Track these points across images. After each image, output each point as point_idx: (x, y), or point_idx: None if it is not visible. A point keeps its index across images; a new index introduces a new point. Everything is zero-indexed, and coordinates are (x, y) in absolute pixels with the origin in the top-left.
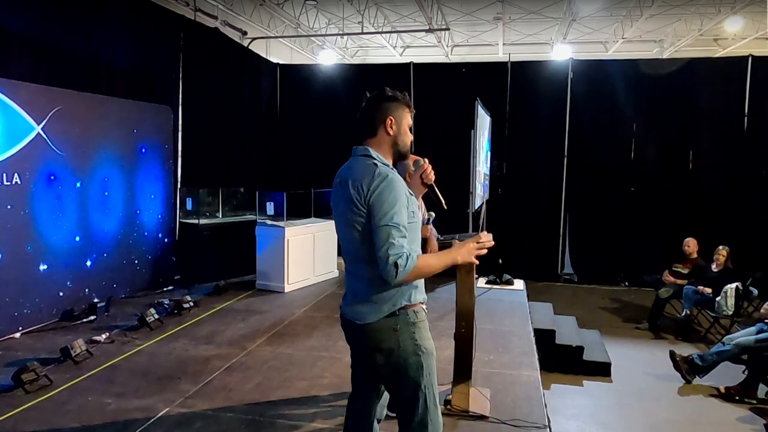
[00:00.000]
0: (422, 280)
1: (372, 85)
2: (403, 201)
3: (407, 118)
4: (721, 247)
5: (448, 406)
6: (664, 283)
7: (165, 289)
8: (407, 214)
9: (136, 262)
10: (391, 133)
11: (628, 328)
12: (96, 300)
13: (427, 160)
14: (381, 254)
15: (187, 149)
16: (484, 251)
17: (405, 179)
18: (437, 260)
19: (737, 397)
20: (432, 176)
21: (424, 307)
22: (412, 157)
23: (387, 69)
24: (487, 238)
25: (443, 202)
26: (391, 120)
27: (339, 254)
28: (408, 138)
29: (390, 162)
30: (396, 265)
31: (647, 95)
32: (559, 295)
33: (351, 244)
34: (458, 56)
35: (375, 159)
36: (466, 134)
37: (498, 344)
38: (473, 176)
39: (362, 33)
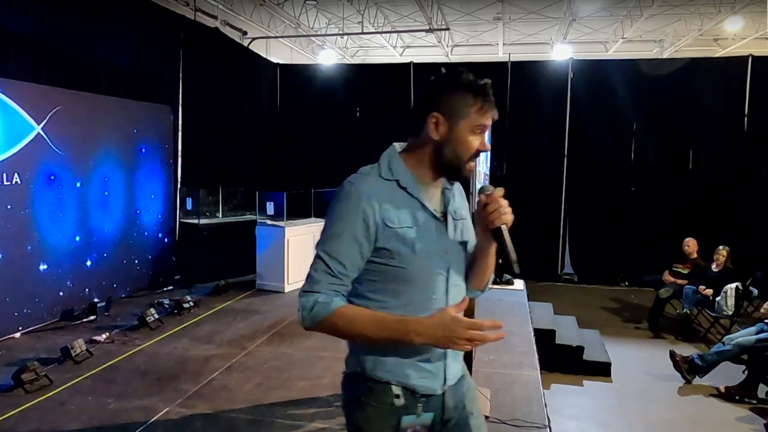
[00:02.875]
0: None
1: (372, 85)
2: (350, 222)
3: (471, 118)
4: (721, 247)
5: None
6: (664, 283)
7: (165, 289)
8: (350, 241)
9: (136, 262)
10: (435, 137)
11: (628, 328)
12: (96, 300)
13: (501, 191)
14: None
15: (187, 149)
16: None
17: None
18: (374, 326)
19: (737, 397)
20: (506, 217)
21: (397, 391)
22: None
23: (387, 69)
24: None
25: (514, 257)
26: (437, 119)
27: None
28: (468, 149)
29: (424, 175)
30: (300, 306)
31: (647, 95)
32: (559, 295)
33: None
34: (458, 56)
35: (380, 165)
36: None
37: (498, 344)
38: (473, 176)
39: (362, 33)
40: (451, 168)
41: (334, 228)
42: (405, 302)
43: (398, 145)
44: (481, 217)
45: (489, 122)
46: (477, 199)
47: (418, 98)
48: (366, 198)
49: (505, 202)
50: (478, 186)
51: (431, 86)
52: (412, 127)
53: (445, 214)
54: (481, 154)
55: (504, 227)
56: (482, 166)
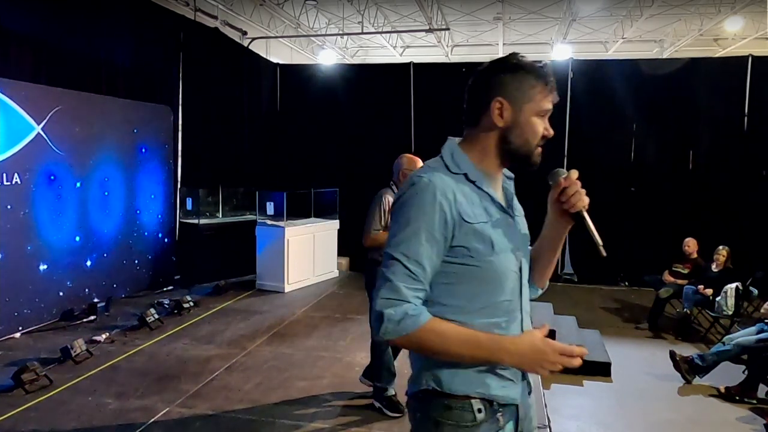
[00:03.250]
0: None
1: (372, 85)
2: (427, 218)
3: (536, 102)
4: (721, 247)
5: None
6: (664, 283)
7: (165, 289)
8: (430, 240)
9: (136, 262)
10: (500, 123)
11: (628, 328)
12: (96, 300)
13: (575, 173)
14: (374, 292)
15: (187, 149)
16: (573, 362)
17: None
18: (467, 345)
19: (737, 397)
20: (582, 201)
21: (478, 405)
22: (412, 159)
23: (387, 69)
24: (578, 353)
25: (600, 242)
26: (501, 104)
27: (339, 254)
28: (536, 133)
29: (490, 168)
30: (381, 316)
31: (647, 95)
32: (559, 295)
33: None
34: (458, 56)
35: (444, 159)
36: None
37: None
38: (551, 181)
39: (362, 33)
40: (519, 155)
41: (411, 226)
42: (482, 305)
43: (455, 139)
44: (560, 202)
45: (551, 106)
46: (551, 183)
47: (476, 85)
48: (441, 192)
49: (579, 185)
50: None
51: (490, 71)
52: (469, 117)
53: (510, 207)
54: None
55: (583, 212)
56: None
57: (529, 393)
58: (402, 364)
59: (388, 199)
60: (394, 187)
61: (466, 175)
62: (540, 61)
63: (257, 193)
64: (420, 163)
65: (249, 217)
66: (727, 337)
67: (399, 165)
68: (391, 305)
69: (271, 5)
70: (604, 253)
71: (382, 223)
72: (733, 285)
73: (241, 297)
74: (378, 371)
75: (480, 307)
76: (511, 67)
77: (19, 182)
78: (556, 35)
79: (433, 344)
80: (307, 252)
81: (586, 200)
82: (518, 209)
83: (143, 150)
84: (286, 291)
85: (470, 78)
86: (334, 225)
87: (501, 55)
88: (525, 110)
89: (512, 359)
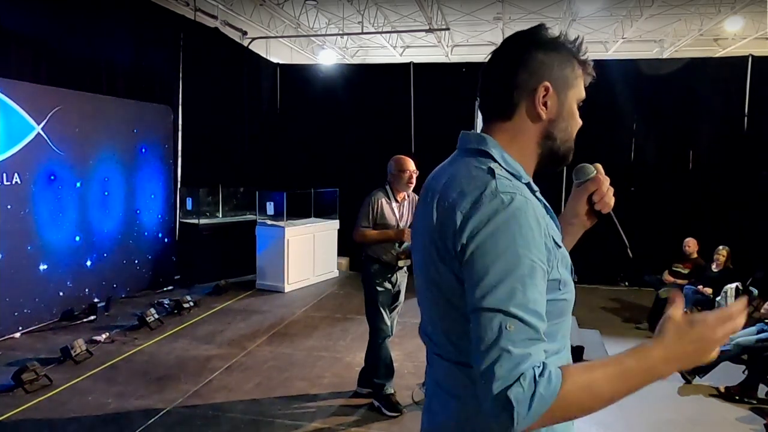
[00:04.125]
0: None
1: (372, 85)
2: (535, 249)
3: (579, 88)
4: (721, 247)
5: None
6: (664, 283)
7: (165, 289)
8: (543, 278)
9: (136, 262)
10: (544, 115)
11: (628, 328)
12: (96, 300)
13: (601, 168)
14: (482, 369)
15: (187, 149)
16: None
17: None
18: (615, 383)
19: (737, 397)
20: (611, 201)
21: None
22: (404, 159)
23: (387, 69)
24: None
25: (627, 242)
26: (547, 89)
27: (339, 254)
28: (575, 126)
29: (527, 171)
30: (507, 403)
31: (647, 95)
32: None
33: (435, 324)
34: (458, 56)
35: (496, 161)
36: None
37: None
38: (577, 181)
39: (362, 33)
40: (561, 154)
41: (520, 268)
42: (560, 345)
43: (489, 134)
44: (590, 201)
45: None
46: (577, 181)
47: (509, 65)
48: (534, 210)
49: (608, 182)
50: None
51: (527, 47)
52: (499, 108)
53: None
54: None
55: (612, 213)
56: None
57: None
58: (401, 364)
59: (381, 201)
60: (388, 188)
61: (529, 184)
62: (577, 37)
63: (257, 193)
64: (411, 163)
65: (249, 217)
66: None
67: (389, 167)
68: (515, 382)
69: (271, 5)
70: (632, 255)
71: (370, 220)
72: (733, 285)
73: (241, 297)
74: (375, 367)
75: (559, 348)
76: (552, 43)
77: (19, 182)
78: None
79: (583, 403)
80: (307, 252)
81: (612, 200)
82: None
83: (143, 150)
84: (286, 291)
85: (495, 55)
86: (334, 225)
87: None
88: (569, 97)
89: (671, 366)
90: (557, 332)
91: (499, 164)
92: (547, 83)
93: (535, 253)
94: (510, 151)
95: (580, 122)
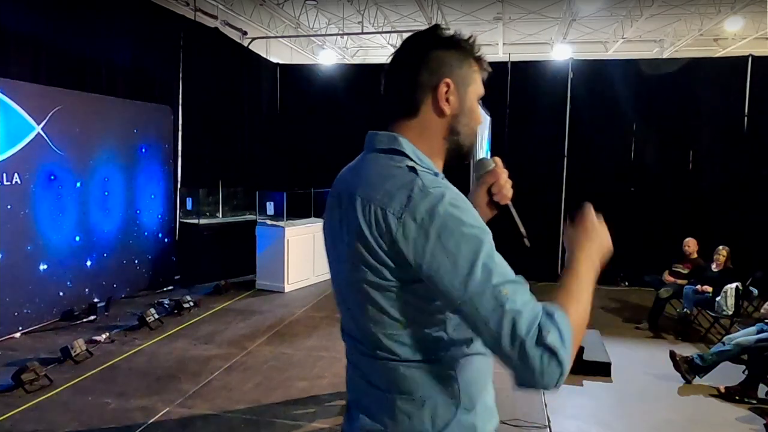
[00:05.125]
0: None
1: (372, 85)
2: (483, 229)
3: (478, 84)
4: (721, 247)
5: None
6: (664, 283)
7: (165, 289)
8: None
9: (136, 262)
10: (447, 111)
11: (628, 328)
12: (96, 300)
13: (499, 161)
14: (507, 346)
15: (187, 149)
16: None
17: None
18: (587, 287)
19: (737, 397)
20: (509, 192)
21: None
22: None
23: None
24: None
25: (524, 232)
26: (448, 85)
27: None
28: (476, 122)
29: (437, 166)
30: (550, 350)
31: (647, 95)
32: None
33: (365, 326)
34: None
35: (410, 159)
36: None
37: None
38: (477, 174)
39: (362, 33)
40: (465, 149)
41: (481, 243)
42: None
43: (397, 132)
44: (489, 193)
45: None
46: (477, 174)
47: (410, 64)
48: (461, 194)
49: (506, 175)
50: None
51: (426, 46)
52: (403, 105)
53: None
54: (480, 153)
55: (510, 204)
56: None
57: None
58: None
59: None
60: None
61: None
62: (470, 36)
63: (257, 193)
64: None
65: (249, 217)
66: (727, 337)
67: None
68: (543, 331)
69: (271, 5)
70: (528, 244)
71: None
72: (733, 285)
73: (241, 297)
74: None
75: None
76: (449, 41)
77: (19, 182)
78: (556, 35)
79: (583, 316)
80: (307, 252)
81: (510, 192)
82: None
83: (143, 150)
84: (286, 291)
85: (395, 57)
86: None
87: (501, 54)
88: (470, 93)
89: (597, 256)
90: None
91: (414, 162)
92: (448, 80)
93: (482, 227)
94: (420, 148)
95: (480, 119)
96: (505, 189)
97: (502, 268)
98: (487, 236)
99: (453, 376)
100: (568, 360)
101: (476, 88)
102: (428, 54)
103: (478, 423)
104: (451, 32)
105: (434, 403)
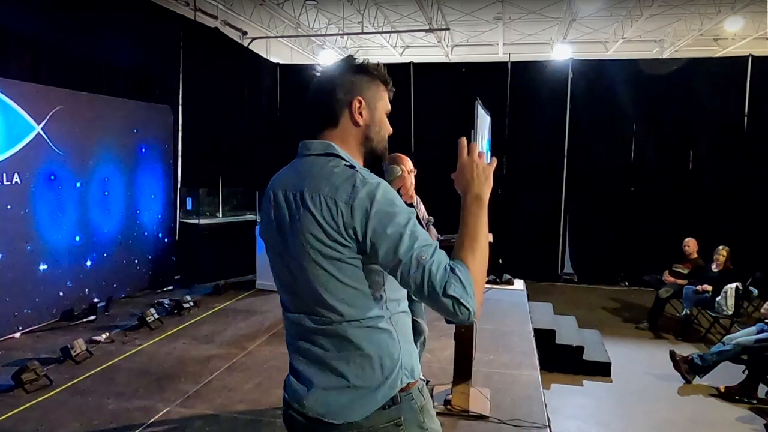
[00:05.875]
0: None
1: None
2: (407, 209)
3: (385, 101)
4: (721, 247)
5: (448, 406)
6: (664, 283)
7: (165, 289)
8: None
9: (136, 262)
10: (360, 122)
11: (628, 328)
12: (96, 300)
13: (406, 166)
14: (427, 292)
15: (187, 149)
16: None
17: None
18: (483, 230)
19: (737, 397)
20: (412, 193)
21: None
22: (400, 158)
23: (387, 69)
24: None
25: (425, 222)
26: (360, 102)
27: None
28: (386, 130)
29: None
30: (453, 298)
31: (647, 95)
32: (559, 295)
33: (317, 296)
34: (458, 56)
35: (346, 160)
36: (466, 134)
37: (498, 344)
38: (388, 178)
39: (362, 33)
40: (377, 152)
41: (407, 220)
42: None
43: (327, 140)
44: (401, 192)
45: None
46: (387, 179)
47: (329, 87)
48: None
49: (412, 178)
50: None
51: (342, 72)
52: (326, 119)
53: None
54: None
55: (413, 203)
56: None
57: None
58: None
59: None
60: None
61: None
62: (376, 63)
63: (257, 193)
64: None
65: (249, 217)
66: (727, 337)
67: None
68: (448, 282)
69: (271, 5)
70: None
71: None
72: (733, 285)
73: (241, 297)
74: None
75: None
76: (361, 68)
77: (19, 182)
78: (556, 35)
79: (482, 261)
80: None
81: (413, 193)
82: None
83: (143, 150)
84: None
85: (318, 79)
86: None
87: (501, 54)
88: (378, 108)
89: (485, 194)
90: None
91: (347, 161)
92: (359, 97)
93: (406, 207)
94: (345, 152)
95: (389, 129)
96: (410, 192)
97: (422, 235)
98: (411, 214)
99: (392, 330)
100: (473, 302)
101: (384, 104)
102: (343, 77)
103: (415, 366)
104: (361, 60)
105: (381, 353)
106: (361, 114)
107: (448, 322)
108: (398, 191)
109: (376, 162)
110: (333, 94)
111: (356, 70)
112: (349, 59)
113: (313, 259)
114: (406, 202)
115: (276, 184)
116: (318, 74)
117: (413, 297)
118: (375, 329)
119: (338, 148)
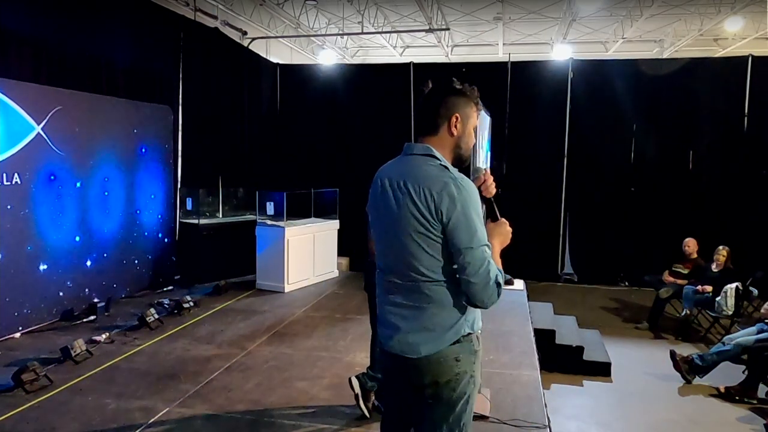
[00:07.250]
0: None
1: (372, 85)
2: (480, 212)
3: (474, 118)
4: (721, 247)
5: None
6: (664, 283)
7: (165, 289)
8: None
9: (136, 262)
10: (455, 133)
11: (628, 328)
12: (96, 300)
13: (488, 171)
14: (478, 277)
15: (187, 149)
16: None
17: None
18: (496, 258)
19: (737, 397)
20: (493, 190)
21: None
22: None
23: (387, 69)
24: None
25: (499, 216)
26: (457, 118)
27: (339, 254)
28: (472, 141)
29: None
30: (498, 284)
31: (647, 95)
32: (559, 295)
33: (407, 260)
34: (458, 56)
35: (441, 161)
36: None
37: (498, 344)
38: (473, 176)
39: (362, 33)
40: (464, 158)
41: (479, 220)
42: None
43: (428, 144)
44: (479, 190)
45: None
46: (472, 177)
47: (436, 102)
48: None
49: (492, 179)
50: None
51: (447, 93)
52: (429, 127)
53: None
54: (480, 153)
55: (492, 199)
56: (482, 166)
57: None
58: None
59: None
60: None
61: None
62: (471, 86)
63: (257, 193)
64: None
65: (249, 217)
66: (727, 337)
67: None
68: (497, 274)
69: (271, 5)
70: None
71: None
72: (733, 285)
73: (241, 297)
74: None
75: None
76: (461, 91)
77: (19, 182)
78: (556, 35)
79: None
80: (307, 252)
81: (494, 190)
82: None
83: (143, 150)
84: (286, 291)
85: (426, 96)
86: (334, 225)
87: (501, 54)
88: (469, 125)
89: (501, 243)
90: None
91: (443, 162)
92: (457, 114)
93: (480, 211)
94: (441, 154)
95: (474, 140)
96: (491, 188)
97: (485, 236)
98: (479, 217)
99: (460, 292)
100: (501, 292)
101: (473, 120)
102: (449, 97)
103: (476, 320)
104: (460, 86)
105: (450, 306)
106: (456, 127)
107: (471, 304)
108: (479, 187)
109: (462, 164)
110: (435, 108)
111: (456, 92)
112: (451, 83)
113: (410, 233)
114: (484, 197)
115: (383, 173)
116: (426, 92)
117: (460, 276)
118: (447, 289)
119: (435, 151)
